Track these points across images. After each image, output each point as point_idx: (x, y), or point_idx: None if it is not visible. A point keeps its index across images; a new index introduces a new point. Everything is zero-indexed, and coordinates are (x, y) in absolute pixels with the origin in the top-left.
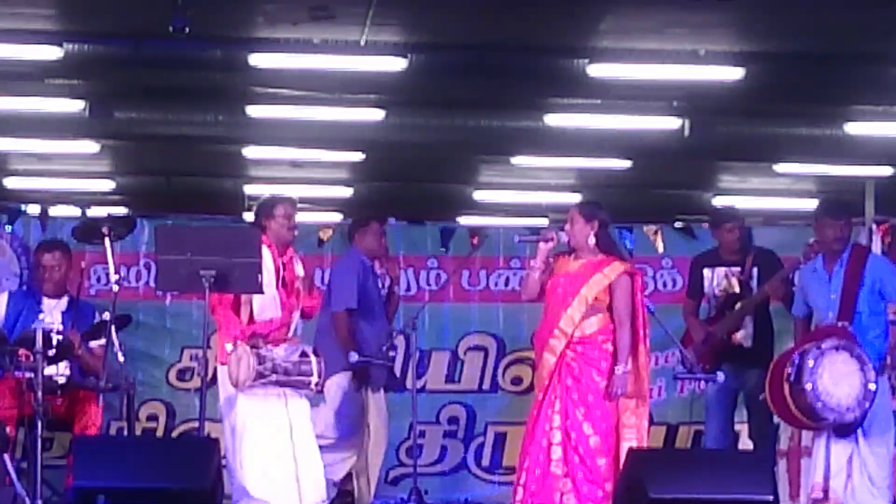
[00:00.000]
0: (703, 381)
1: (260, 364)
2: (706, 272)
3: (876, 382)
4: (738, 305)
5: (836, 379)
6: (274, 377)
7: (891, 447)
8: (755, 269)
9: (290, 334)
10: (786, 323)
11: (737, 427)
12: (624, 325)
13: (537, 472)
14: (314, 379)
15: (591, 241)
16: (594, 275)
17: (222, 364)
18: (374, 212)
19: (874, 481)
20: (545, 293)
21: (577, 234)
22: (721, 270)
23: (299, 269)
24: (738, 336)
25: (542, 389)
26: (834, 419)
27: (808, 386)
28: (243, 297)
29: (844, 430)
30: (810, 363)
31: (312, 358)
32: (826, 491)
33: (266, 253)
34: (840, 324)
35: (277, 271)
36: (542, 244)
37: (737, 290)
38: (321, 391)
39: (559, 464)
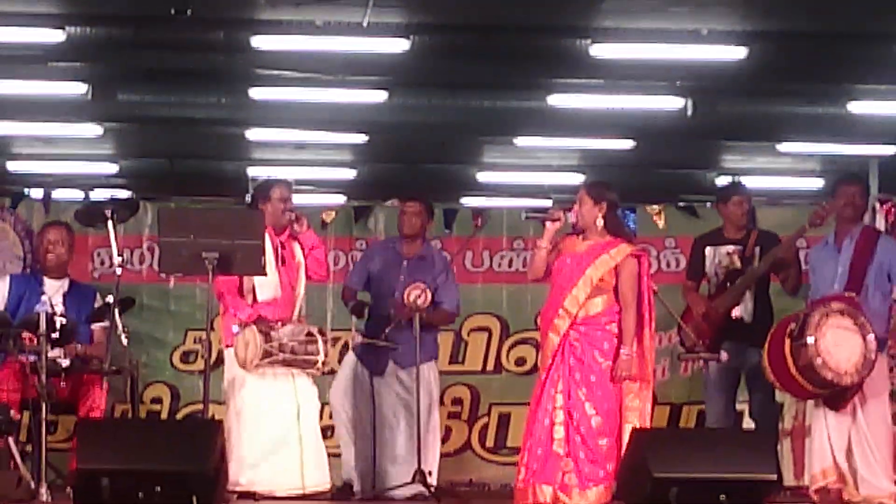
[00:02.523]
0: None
1: (266, 342)
2: (708, 251)
3: (875, 354)
4: (738, 281)
5: (839, 341)
6: (281, 356)
7: (889, 423)
8: (757, 249)
9: (296, 314)
10: (786, 303)
11: (739, 406)
12: (629, 307)
13: (539, 451)
14: (320, 358)
15: (599, 222)
16: (600, 256)
17: (227, 347)
18: (378, 193)
19: (876, 457)
20: (552, 273)
21: (586, 214)
22: (723, 249)
23: (297, 249)
24: (738, 311)
25: (545, 369)
26: (831, 379)
27: (811, 340)
28: (246, 281)
29: (837, 401)
30: (815, 318)
31: (319, 338)
32: (841, 475)
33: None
34: (847, 293)
35: (276, 251)
36: (548, 224)
37: (739, 266)
38: (326, 372)
39: (561, 443)
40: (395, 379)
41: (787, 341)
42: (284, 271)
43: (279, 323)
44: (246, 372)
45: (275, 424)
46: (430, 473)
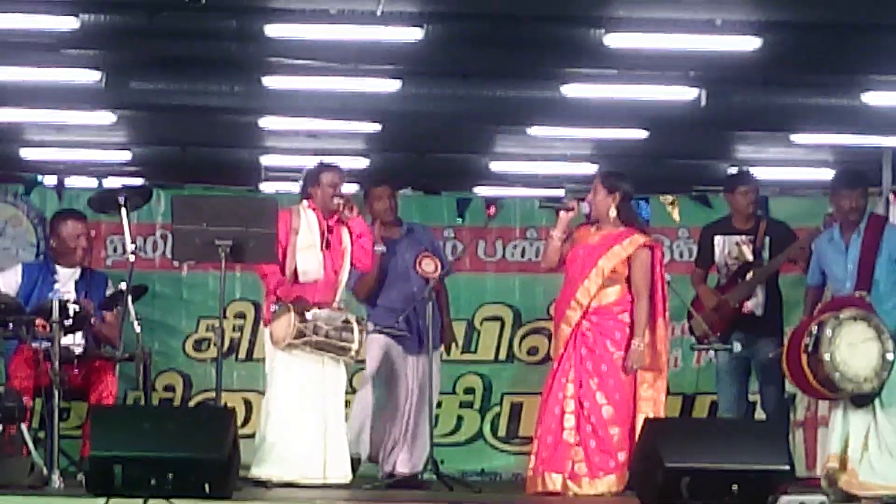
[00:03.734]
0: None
1: (301, 322)
2: (717, 240)
3: (893, 352)
4: (750, 274)
5: (854, 349)
6: (314, 338)
7: None
8: (767, 239)
9: (337, 299)
10: (795, 293)
11: (752, 397)
12: (641, 298)
13: (549, 439)
14: (354, 346)
15: (613, 212)
16: (613, 247)
17: (266, 326)
18: (391, 182)
19: (892, 452)
20: (565, 263)
21: (599, 204)
22: (733, 238)
23: (345, 235)
24: (750, 304)
25: (557, 359)
26: (852, 389)
27: (827, 356)
28: (289, 261)
29: (862, 401)
30: (828, 333)
31: (355, 326)
32: (844, 461)
33: (311, 216)
34: (857, 293)
35: (323, 234)
36: (562, 213)
37: (749, 258)
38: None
39: (572, 432)
40: (405, 365)
41: (804, 356)
42: (329, 255)
43: (317, 306)
44: (279, 350)
45: (298, 413)
46: (442, 462)
